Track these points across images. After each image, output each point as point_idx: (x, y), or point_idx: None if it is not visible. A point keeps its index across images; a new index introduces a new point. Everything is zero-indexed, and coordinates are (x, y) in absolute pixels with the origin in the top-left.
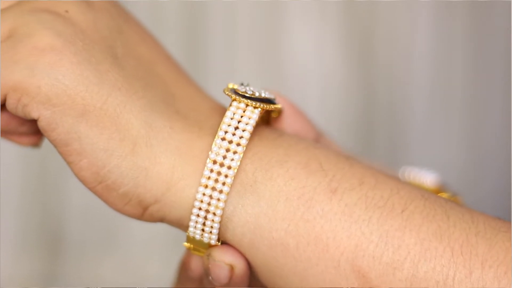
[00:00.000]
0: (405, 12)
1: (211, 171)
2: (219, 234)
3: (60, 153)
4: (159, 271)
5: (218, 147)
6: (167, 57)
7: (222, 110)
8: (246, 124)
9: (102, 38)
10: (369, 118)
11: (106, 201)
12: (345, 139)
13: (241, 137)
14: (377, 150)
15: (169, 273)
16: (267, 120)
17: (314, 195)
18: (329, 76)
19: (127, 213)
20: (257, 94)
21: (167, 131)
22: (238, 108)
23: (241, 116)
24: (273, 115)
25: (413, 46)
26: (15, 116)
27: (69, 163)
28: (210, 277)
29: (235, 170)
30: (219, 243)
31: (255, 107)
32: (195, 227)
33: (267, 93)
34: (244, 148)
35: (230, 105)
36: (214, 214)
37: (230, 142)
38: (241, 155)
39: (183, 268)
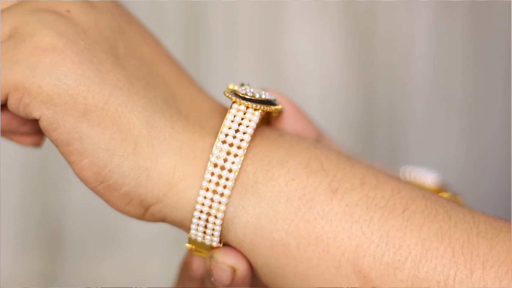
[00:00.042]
0: (405, 12)
1: (212, 174)
2: (220, 235)
3: (62, 153)
4: (159, 271)
5: (219, 150)
6: (169, 57)
7: (223, 110)
8: (247, 126)
9: (104, 38)
10: (369, 118)
11: (107, 201)
12: (345, 139)
13: (241, 140)
14: (377, 150)
15: (169, 273)
16: (268, 119)
17: (315, 195)
18: (329, 76)
19: (129, 213)
20: (257, 96)
21: (168, 131)
22: (238, 110)
23: (242, 119)
24: (274, 114)
25: (413, 46)
26: (16, 116)
27: (70, 163)
28: (212, 279)
29: (236, 173)
30: (221, 245)
31: (255, 109)
32: (197, 229)
33: (267, 94)
34: (245, 151)
35: (231, 107)
36: (216, 217)
37: (231, 145)
38: (242, 158)
39: (185, 268)
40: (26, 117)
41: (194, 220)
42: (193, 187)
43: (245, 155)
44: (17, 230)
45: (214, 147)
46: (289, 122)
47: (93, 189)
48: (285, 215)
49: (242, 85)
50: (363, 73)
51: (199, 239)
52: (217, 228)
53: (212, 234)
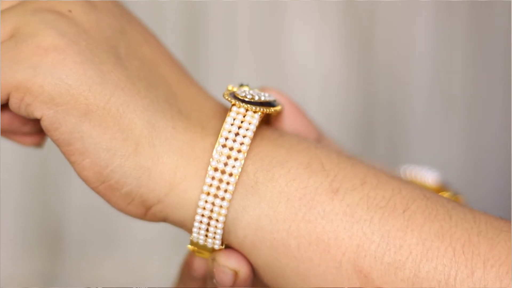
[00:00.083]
0: (405, 12)
1: (213, 178)
2: (222, 237)
3: (63, 153)
4: (159, 271)
5: (219, 154)
6: (170, 58)
7: (224, 110)
8: (247, 129)
9: (105, 38)
10: (369, 118)
11: (109, 201)
12: (345, 139)
13: (241, 144)
14: (377, 150)
15: (169, 273)
16: (267, 119)
17: (315, 195)
18: (329, 76)
19: (130, 213)
20: (256, 98)
21: (169, 131)
22: (238, 113)
23: (242, 122)
24: (273, 115)
25: (413, 46)
26: (18, 116)
27: (71, 163)
28: (214, 280)
29: (237, 177)
30: (223, 247)
31: (255, 112)
32: (199, 233)
33: (266, 95)
34: (245, 154)
35: (230, 110)
36: (217, 220)
37: (231, 149)
38: (243, 162)
39: (186, 267)
40: (28, 117)
41: (196, 224)
42: (194, 188)
43: (246, 155)
44: (17, 230)
45: (214, 151)
46: (288, 120)
47: (95, 189)
48: (286, 215)
49: (242, 85)
50: (363, 73)
51: (201, 242)
52: (219, 231)
53: (214, 238)
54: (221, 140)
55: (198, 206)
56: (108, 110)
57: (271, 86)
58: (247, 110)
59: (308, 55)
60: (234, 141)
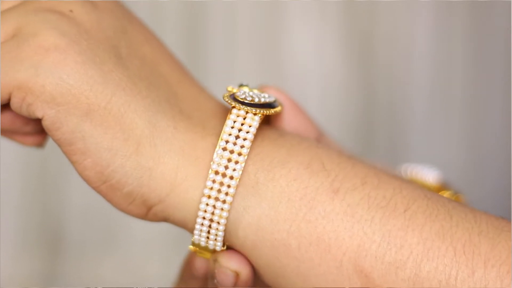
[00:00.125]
0: (405, 12)
1: (214, 181)
2: (223, 238)
3: (64, 153)
4: (159, 271)
5: (219, 158)
6: (171, 57)
7: (225, 110)
8: (247, 132)
9: (106, 38)
10: (369, 118)
11: (110, 200)
12: (345, 139)
13: (242, 147)
14: (377, 150)
15: (169, 273)
16: (268, 118)
17: (316, 195)
18: (329, 76)
19: (131, 213)
20: (256, 100)
21: (171, 131)
22: (238, 115)
23: (242, 124)
24: (273, 115)
25: (413, 46)
26: (19, 116)
27: (73, 163)
28: (215, 281)
29: (238, 180)
30: (224, 248)
31: (255, 114)
32: (200, 235)
33: (266, 95)
34: (246, 157)
35: (230, 112)
36: (218, 223)
37: (232, 152)
38: (243, 164)
39: (187, 266)
40: (29, 117)
41: (197, 226)
42: (195, 188)
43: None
44: (17, 229)
45: (215, 155)
46: (288, 118)
47: (96, 189)
48: (286, 215)
49: (241, 85)
50: (363, 73)
51: (203, 243)
52: (220, 234)
53: (215, 239)
54: (222, 143)
55: (199, 209)
56: (110, 109)
57: (270, 84)
58: (247, 112)
59: (308, 55)
60: (235, 144)
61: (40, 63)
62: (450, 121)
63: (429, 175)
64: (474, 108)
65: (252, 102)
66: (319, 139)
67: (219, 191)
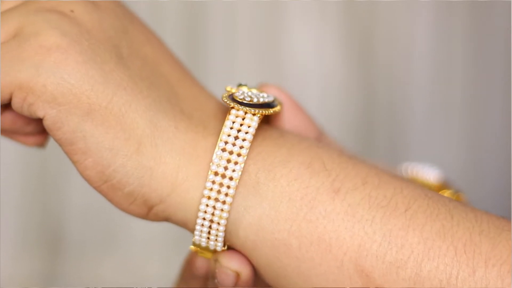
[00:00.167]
0: (405, 12)
1: (213, 182)
2: (224, 238)
3: (65, 152)
4: (159, 271)
5: (219, 159)
6: (172, 57)
7: (226, 110)
8: (246, 133)
9: (108, 38)
10: (369, 118)
11: (111, 200)
12: (345, 139)
13: (241, 147)
14: (377, 150)
15: (169, 273)
16: (267, 117)
17: (317, 195)
18: (329, 76)
19: (132, 213)
20: (255, 100)
21: (171, 131)
22: (237, 116)
23: (241, 125)
24: (272, 115)
25: (413, 46)
26: (20, 116)
27: (74, 162)
28: (216, 281)
29: (237, 181)
30: (225, 248)
31: (254, 114)
32: (200, 235)
33: (265, 95)
34: (245, 158)
35: (229, 113)
36: (219, 223)
37: (231, 152)
38: (243, 165)
39: (188, 266)
40: (30, 117)
41: (198, 227)
42: (196, 188)
43: (247, 155)
44: (17, 229)
45: (214, 156)
46: (287, 117)
47: (97, 189)
48: (287, 215)
49: (240, 85)
50: (363, 73)
51: (203, 244)
52: (220, 234)
53: (216, 240)
54: (221, 144)
55: (199, 210)
56: (111, 109)
57: (269, 84)
58: (246, 113)
59: (308, 55)
60: (234, 144)
61: (41, 63)
62: (450, 121)
63: (430, 174)
64: (474, 108)
65: (251, 102)
66: (319, 138)
67: (218, 192)
